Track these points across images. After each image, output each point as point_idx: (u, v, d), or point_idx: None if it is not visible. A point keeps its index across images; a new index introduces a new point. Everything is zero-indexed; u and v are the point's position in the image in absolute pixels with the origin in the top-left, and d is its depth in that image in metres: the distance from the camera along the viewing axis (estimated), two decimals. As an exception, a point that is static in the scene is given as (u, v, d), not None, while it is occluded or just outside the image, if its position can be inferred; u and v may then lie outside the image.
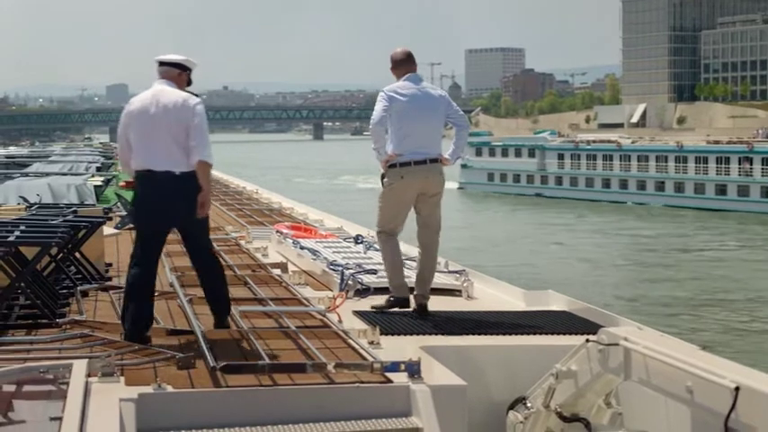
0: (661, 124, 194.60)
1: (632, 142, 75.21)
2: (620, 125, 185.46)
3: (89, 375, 5.44)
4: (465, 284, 9.03)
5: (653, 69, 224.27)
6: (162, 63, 7.06)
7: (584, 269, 36.23)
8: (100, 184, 22.59)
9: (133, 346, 6.48)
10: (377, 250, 10.86)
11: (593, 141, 75.52)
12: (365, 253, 10.90)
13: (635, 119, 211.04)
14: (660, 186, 66.08)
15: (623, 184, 68.68)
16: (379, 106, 7.89)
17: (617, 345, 5.52)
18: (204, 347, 6.27)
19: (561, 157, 74.15)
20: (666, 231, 50.88)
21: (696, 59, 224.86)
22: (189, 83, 7.14)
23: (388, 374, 5.81)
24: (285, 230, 12.86)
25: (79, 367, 5.45)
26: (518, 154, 77.79)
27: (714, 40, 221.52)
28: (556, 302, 8.40)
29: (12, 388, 5.46)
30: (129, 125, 6.91)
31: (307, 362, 6.02)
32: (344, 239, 12.29)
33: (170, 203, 6.81)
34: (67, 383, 5.24)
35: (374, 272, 9.15)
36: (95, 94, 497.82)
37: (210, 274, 7.22)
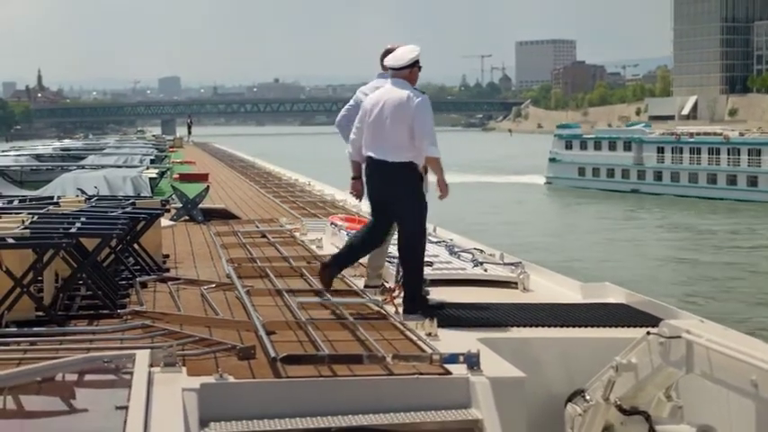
0: (712, 116, 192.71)
1: (740, 134, 69.48)
2: (671, 117, 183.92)
3: (151, 365, 5.50)
4: (521, 276, 9.01)
5: (705, 61, 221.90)
6: (392, 68, 7.74)
7: (680, 274, 34.57)
8: (155, 176, 22.78)
9: (194, 337, 6.55)
10: (432, 242, 10.87)
11: (697, 134, 69.95)
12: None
13: (686, 111, 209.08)
14: None
15: (732, 180, 63.49)
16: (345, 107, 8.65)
17: (679, 337, 5.48)
18: (264, 338, 6.33)
19: (661, 150, 68.93)
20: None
21: (749, 51, 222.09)
22: (419, 68, 7.81)
23: (447, 366, 5.81)
24: (339, 222, 12.89)
25: (142, 357, 5.52)
26: (612, 147, 72.87)
27: (767, 31, 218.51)
28: (613, 295, 8.35)
29: (76, 377, 5.55)
30: (363, 118, 7.80)
31: (365, 353, 6.05)
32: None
33: (381, 187, 7.69)
34: (131, 373, 5.30)
35: (430, 264, 9.15)
36: (148, 87, 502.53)
37: (402, 259, 7.74)
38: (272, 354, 5.87)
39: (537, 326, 7.24)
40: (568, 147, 76.50)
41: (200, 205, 15.18)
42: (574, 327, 7.24)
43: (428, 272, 8.86)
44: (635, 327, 6.98)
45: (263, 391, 5.48)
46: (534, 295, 8.63)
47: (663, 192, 66.19)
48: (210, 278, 9.32)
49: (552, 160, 76.98)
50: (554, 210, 60.78)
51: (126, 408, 4.68)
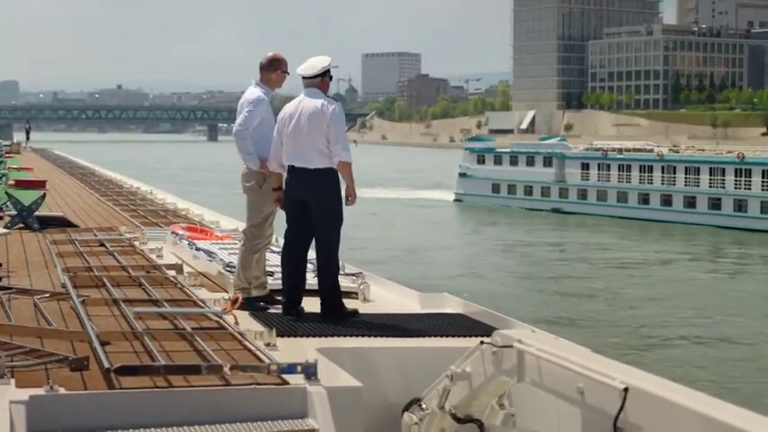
0: (549, 131, 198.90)
1: (670, 151, 65.51)
2: (511, 131, 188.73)
3: (-22, 377, 5.33)
4: (361, 287, 9.07)
5: (542, 77, 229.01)
6: (304, 77, 8.02)
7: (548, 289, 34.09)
8: (-12, 182, 22.02)
9: (24, 348, 6.36)
10: (273, 252, 10.85)
11: (626, 150, 66.04)
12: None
13: (524, 125, 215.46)
14: (716, 204, 57.10)
15: (666, 201, 59.65)
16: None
17: (510, 347, 5.62)
18: (98, 349, 6.20)
19: (586, 167, 64.86)
20: (717, 258, 44.72)
21: (584, 68, 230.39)
22: (330, 78, 8.15)
23: (285, 376, 5.81)
24: (180, 232, 12.74)
25: (-32, 369, 5.34)
26: (530, 162, 68.30)
27: (601, 49, 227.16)
28: (451, 305, 8.50)
29: None
30: (281, 129, 8.05)
31: (202, 363, 5.99)
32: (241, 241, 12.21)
33: (304, 194, 7.91)
34: (-44, 386, 5.13)
35: (270, 274, 9.13)
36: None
37: (323, 268, 7.98)
38: (106, 364, 5.75)
39: (375, 335, 7.32)
40: (481, 161, 71.77)
41: (37, 213, 14.76)
42: (411, 336, 7.34)
43: (269, 281, 8.86)
44: (470, 336, 7.11)
45: (96, 402, 5.36)
46: (374, 305, 8.70)
47: (588, 211, 62.48)
48: (45, 288, 9.06)
49: (463, 175, 72.31)
50: (454, 229, 57.32)
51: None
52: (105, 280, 9.35)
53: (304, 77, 8.06)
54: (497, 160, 71.17)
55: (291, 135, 7.96)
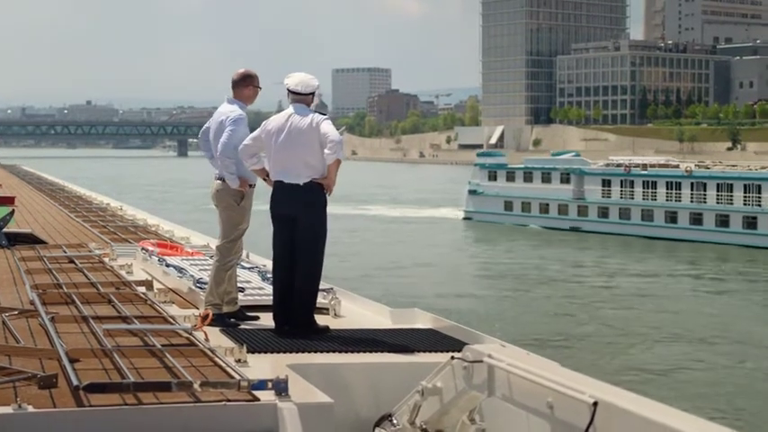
0: (518, 146, 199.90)
1: (696, 166, 62.06)
2: (480, 146, 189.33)
3: (-55, 396, 5.28)
4: (332, 302, 9.07)
5: (511, 92, 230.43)
6: (296, 93, 8.07)
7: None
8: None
9: (-7, 366, 6.31)
10: (243, 268, 10.84)
11: (651, 166, 62.77)
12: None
13: (493, 140, 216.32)
14: (751, 223, 54.45)
15: (696, 219, 56.69)
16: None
17: (481, 362, 5.63)
18: (67, 366, 6.16)
19: (607, 183, 61.80)
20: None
21: (552, 84, 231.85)
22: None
23: (256, 392, 5.80)
24: (150, 248, 12.69)
25: (-65, 387, 5.29)
26: (546, 179, 65.02)
27: (569, 65, 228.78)
28: (422, 320, 8.51)
29: None
30: (267, 142, 8.04)
31: (172, 380, 5.97)
32: (211, 257, 12.17)
33: (293, 210, 7.98)
34: None
35: (241, 290, 9.12)
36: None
37: (300, 279, 8.00)
38: (75, 382, 5.71)
39: (346, 351, 7.32)
40: (492, 177, 68.63)
41: (5, 229, 14.66)
42: (382, 352, 7.35)
43: (240, 297, 8.85)
44: (441, 351, 7.13)
45: (65, 420, 5.33)
46: (345, 321, 8.71)
47: (610, 230, 59.69)
48: (13, 305, 9.00)
49: (472, 192, 69.52)
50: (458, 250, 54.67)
51: None
52: (74, 297, 9.29)
53: (295, 93, 8.08)
54: (510, 177, 68.01)
55: (280, 150, 7.97)
